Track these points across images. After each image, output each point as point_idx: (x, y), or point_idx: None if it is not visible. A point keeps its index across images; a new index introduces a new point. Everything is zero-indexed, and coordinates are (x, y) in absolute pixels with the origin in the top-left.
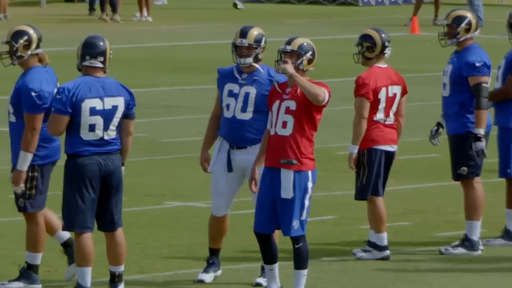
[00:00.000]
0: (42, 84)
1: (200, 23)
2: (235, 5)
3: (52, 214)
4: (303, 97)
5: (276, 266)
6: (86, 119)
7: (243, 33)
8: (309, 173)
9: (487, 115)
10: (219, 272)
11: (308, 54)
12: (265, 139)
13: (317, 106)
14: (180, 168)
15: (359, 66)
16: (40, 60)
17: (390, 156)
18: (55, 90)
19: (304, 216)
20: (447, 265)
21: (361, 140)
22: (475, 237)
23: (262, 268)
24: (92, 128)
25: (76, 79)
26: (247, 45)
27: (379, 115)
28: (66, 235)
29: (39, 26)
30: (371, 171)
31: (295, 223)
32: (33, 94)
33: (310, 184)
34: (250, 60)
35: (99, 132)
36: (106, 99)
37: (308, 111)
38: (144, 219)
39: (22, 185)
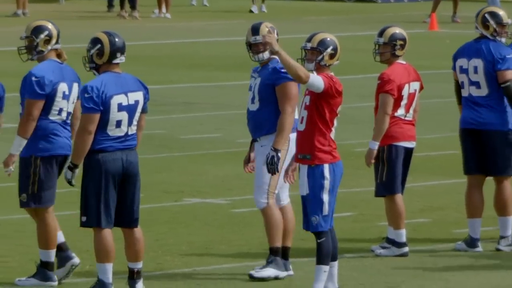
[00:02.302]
0: (46, 72)
1: (218, 20)
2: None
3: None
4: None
5: (332, 265)
6: (114, 115)
7: (255, 30)
8: (324, 166)
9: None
10: (281, 274)
11: (329, 50)
12: None
13: (324, 99)
14: (199, 164)
15: (377, 63)
16: (58, 56)
17: (409, 152)
18: (63, 85)
19: (325, 212)
20: (465, 262)
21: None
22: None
23: (269, 262)
24: (118, 124)
25: (98, 76)
26: (261, 41)
27: (400, 111)
28: (60, 238)
29: (58, 23)
30: (391, 167)
31: (314, 219)
32: (33, 79)
33: (325, 180)
34: (267, 54)
35: (124, 128)
36: (129, 95)
37: (316, 104)
38: (162, 215)
39: (11, 167)
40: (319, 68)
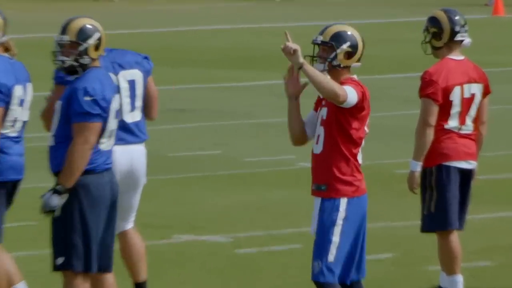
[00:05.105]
0: None
1: (212, 3)
2: None
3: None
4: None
5: None
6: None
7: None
8: (342, 200)
9: None
10: None
11: (345, 46)
12: None
13: (350, 113)
14: (193, 191)
15: (428, 58)
16: (6, 50)
17: (467, 175)
18: (18, 88)
19: (331, 258)
20: None
21: (427, 155)
22: None
23: None
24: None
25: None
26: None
27: (452, 123)
28: None
29: (31, 5)
30: (442, 194)
31: (316, 265)
32: None
33: (339, 215)
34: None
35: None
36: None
37: (337, 119)
38: (146, 257)
39: None
40: (332, 71)
